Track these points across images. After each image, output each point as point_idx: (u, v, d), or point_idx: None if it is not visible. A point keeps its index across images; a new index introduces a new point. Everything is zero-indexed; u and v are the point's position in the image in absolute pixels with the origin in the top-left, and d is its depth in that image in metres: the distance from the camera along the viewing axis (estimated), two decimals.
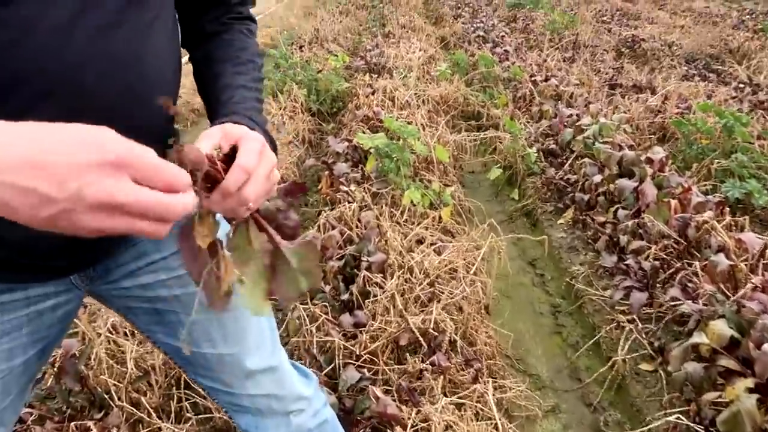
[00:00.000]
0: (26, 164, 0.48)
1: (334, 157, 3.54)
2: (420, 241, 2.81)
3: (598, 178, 3.18)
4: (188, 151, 0.61)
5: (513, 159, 3.98)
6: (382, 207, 2.94)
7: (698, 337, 2.00)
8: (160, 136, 0.74)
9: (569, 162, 3.65)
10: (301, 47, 6.22)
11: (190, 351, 1.08)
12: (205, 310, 0.72)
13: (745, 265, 2.28)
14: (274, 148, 0.86)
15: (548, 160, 3.92)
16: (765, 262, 2.34)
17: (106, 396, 1.87)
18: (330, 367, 1.93)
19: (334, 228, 2.75)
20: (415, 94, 4.52)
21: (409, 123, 3.65)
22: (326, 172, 3.39)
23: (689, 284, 2.40)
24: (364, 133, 3.46)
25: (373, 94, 4.43)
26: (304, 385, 1.24)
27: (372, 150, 3.15)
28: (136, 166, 0.52)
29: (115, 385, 1.87)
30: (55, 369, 1.91)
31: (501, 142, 4.15)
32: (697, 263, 2.46)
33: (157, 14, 0.81)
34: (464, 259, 2.63)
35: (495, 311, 2.71)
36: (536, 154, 3.87)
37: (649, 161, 3.10)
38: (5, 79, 0.65)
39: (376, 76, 4.96)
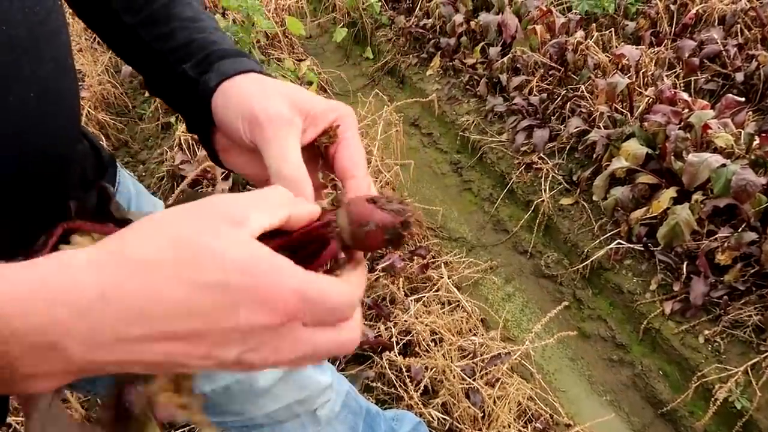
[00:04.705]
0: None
1: None
2: None
3: (459, 18, 2.99)
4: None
5: (356, 14, 3.62)
6: None
7: (617, 162, 2.03)
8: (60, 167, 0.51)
9: (418, 5, 3.39)
10: None
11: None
12: None
13: (630, 78, 2.32)
14: None
15: (393, 8, 3.62)
16: (643, 71, 2.41)
17: None
18: None
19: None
20: None
21: None
22: None
23: (581, 109, 2.41)
24: None
25: None
26: (320, 371, 1.00)
27: None
28: (312, 314, 0.35)
29: None
30: None
31: None
32: (582, 86, 2.47)
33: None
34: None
35: (395, 184, 2.57)
36: (379, 3, 3.55)
37: None
38: None
39: None
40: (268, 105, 0.45)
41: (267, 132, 0.44)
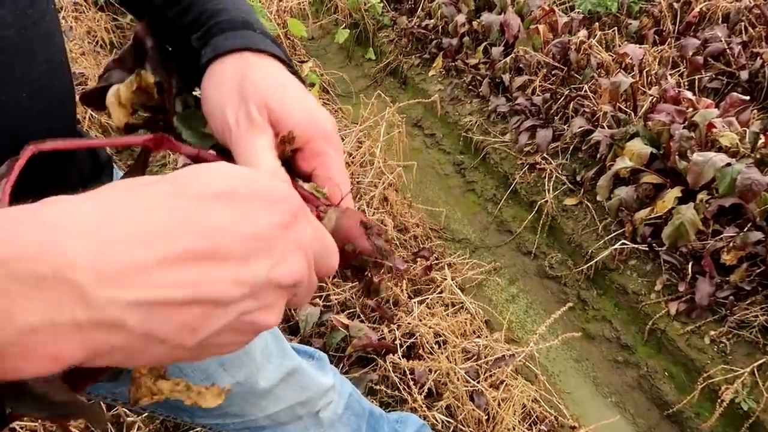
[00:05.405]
0: (179, 258, 0.28)
1: None
2: None
3: (462, 18, 2.98)
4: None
5: (358, 15, 3.61)
6: None
7: (621, 162, 2.02)
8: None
9: (420, 6, 3.39)
10: None
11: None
12: None
13: (634, 78, 2.31)
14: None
15: (395, 8, 3.62)
16: (647, 70, 2.40)
17: None
18: None
19: None
20: None
21: None
22: None
23: (585, 109, 2.40)
24: None
25: None
26: (322, 373, 1.00)
27: None
28: (310, 223, 0.36)
29: None
30: None
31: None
32: (586, 86, 2.45)
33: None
34: (361, 144, 2.38)
35: (398, 185, 2.56)
36: (381, 4, 3.54)
37: None
38: None
39: None
40: (238, 111, 0.43)
41: (234, 136, 0.43)
